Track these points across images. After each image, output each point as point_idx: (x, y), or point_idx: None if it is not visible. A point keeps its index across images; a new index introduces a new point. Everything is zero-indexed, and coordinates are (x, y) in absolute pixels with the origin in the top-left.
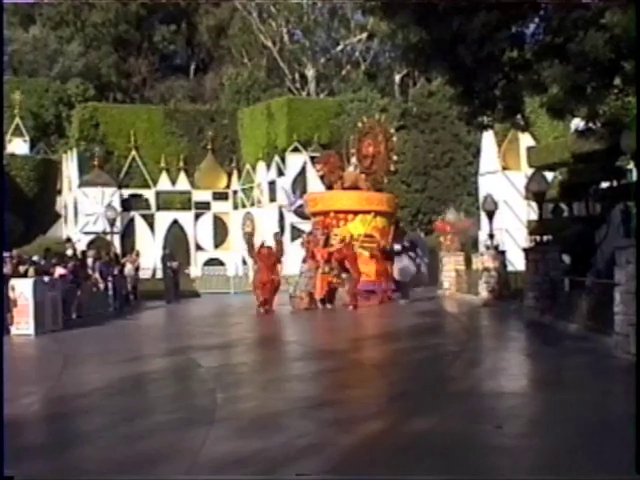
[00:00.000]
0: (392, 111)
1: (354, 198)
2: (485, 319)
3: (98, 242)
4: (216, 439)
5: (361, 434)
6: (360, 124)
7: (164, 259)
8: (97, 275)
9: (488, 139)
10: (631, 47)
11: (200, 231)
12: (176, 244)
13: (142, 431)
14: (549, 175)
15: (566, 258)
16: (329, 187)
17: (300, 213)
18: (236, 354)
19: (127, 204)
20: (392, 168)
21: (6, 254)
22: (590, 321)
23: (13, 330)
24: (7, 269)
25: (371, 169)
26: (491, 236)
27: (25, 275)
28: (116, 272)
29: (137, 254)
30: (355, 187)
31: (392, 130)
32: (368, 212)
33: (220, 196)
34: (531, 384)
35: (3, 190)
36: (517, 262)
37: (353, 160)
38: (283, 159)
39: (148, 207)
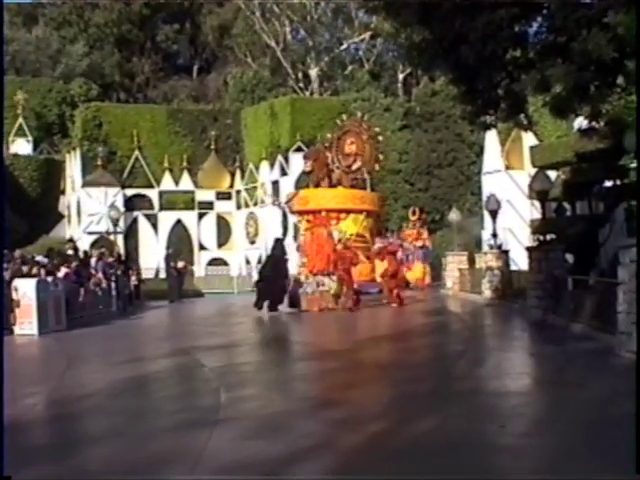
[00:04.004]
0: (395, 110)
1: (348, 196)
2: (488, 318)
3: (101, 242)
4: (220, 439)
5: (365, 434)
6: (339, 122)
7: (167, 259)
8: (100, 275)
9: (491, 138)
10: (634, 46)
11: (203, 231)
12: (179, 244)
13: (146, 432)
14: (552, 174)
15: (569, 257)
16: (316, 184)
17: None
18: (240, 354)
19: (130, 204)
20: (377, 168)
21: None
22: (593, 320)
23: (16, 330)
24: (10, 270)
25: (353, 168)
26: (494, 235)
27: (28, 275)
28: (119, 272)
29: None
30: (338, 184)
31: (377, 129)
32: (360, 211)
33: (223, 196)
34: (534, 383)
35: (3, 191)
36: (520, 261)
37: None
38: (286, 159)
39: (151, 207)
